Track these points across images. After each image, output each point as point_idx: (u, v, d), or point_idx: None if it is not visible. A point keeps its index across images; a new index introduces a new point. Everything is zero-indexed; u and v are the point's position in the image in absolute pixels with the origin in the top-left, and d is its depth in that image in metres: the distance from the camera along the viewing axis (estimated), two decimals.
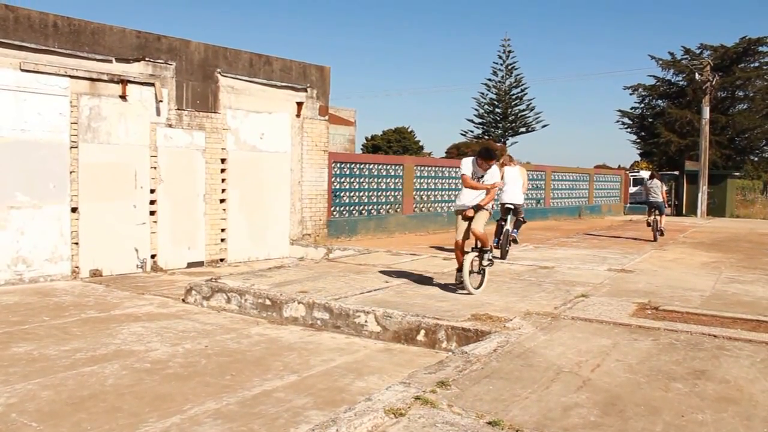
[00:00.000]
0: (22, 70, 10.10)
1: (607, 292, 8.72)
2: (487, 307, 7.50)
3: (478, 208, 8.44)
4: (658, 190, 16.78)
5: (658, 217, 16.72)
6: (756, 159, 44.59)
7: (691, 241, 16.73)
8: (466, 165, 8.50)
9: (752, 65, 41.50)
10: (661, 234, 16.92)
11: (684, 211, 31.85)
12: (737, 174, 32.18)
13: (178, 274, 11.57)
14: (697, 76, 31.74)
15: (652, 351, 5.80)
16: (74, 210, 10.78)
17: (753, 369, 5.29)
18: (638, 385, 4.87)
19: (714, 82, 31.05)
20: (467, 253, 8.49)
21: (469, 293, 8.28)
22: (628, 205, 32.95)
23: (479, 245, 8.61)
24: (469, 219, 8.49)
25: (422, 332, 6.73)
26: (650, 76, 46.11)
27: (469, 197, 8.49)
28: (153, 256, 11.85)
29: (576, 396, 4.61)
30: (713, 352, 5.79)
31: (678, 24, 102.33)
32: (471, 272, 8.38)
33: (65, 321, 7.60)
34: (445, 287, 8.94)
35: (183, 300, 8.87)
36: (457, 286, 8.61)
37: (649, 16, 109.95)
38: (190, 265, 12.42)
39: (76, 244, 10.81)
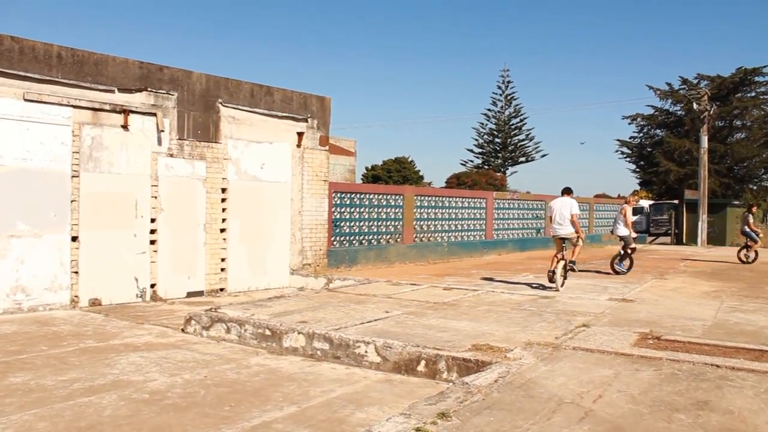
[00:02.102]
0: (26, 100, 10.19)
1: (609, 322, 8.68)
2: (488, 338, 7.46)
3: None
4: (744, 222, 19.52)
5: (749, 245, 19.08)
6: (755, 188, 44.68)
7: (691, 270, 16.69)
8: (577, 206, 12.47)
9: (749, 95, 41.83)
10: (748, 262, 18.91)
11: (684, 240, 31.83)
12: (737, 203, 32.19)
13: (177, 304, 11.53)
14: (694, 105, 31.94)
15: (654, 381, 5.76)
16: (74, 239, 10.78)
17: (757, 399, 5.24)
18: (641, 416, 4.82)
19: (711, 112, 31.24)
20: (560, 260, 12.05)
21: (557, 289, 11.80)
22: None
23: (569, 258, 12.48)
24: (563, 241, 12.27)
25: (423, 363, 6.68)
26: (648, 105, 46.49)
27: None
28: (153, 286, 11.83)
29: (578, 427, 4.56)
30: (716, 382, 5.74)
31: (674, 54, 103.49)
32: (561, 275, 12.04)
33: (63, 350, 7.56)
34: (445, 317, 8.91)
35: (182, 330, 8.82)
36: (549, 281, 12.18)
37: (646, 46, 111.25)
38: (189, 294, 12.38)
39: (76, 273, 10.79)
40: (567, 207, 12.27)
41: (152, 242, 11.84)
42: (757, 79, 41.12)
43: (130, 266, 11.50)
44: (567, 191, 12.72)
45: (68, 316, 9.96)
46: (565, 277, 12.19)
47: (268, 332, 7.96)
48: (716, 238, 30.51)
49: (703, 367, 6.25)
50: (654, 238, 36.84)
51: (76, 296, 10.79)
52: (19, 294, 10.16)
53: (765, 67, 40.63)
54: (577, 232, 12.23)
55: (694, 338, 7.64)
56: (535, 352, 6.79)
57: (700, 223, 30.14)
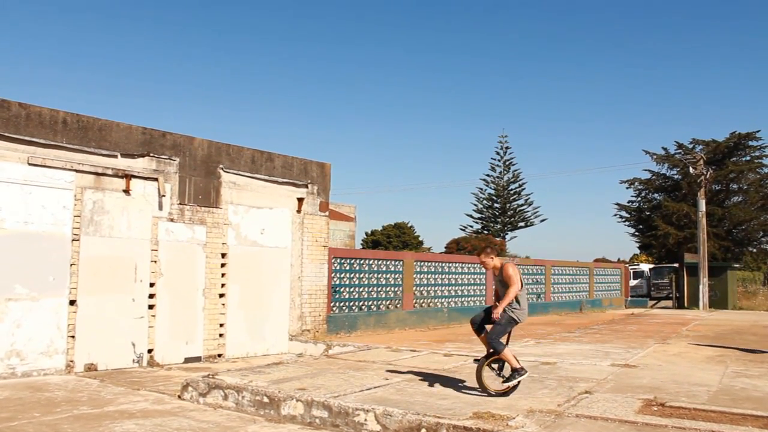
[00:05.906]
0: (30, 164, 10.32)
1: (612, 388, 8.54)
2: (489, 405, 7.33)
3: None
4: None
5: None
6: (754, 250, 44.80)
7: (694, 335, 16.52)
8: None
9: (744, 159, 42.48)
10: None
11: (686, 304, 31.60)
12: (737, 265, 32.20)
13: (174, 370, 11.36)
14: (691, 170, 32.34)
15: None
16: (72, 303, 10.72)
17: None
18: None
19: (708, 176, 31.61)
20: None
21: None
22: (629, 298, 32.72)
23: None
24: None
25: (423, 431, 6.54)
26: (645, 170, 47.09)
27: None
28: (150, 351, 11.68)
29: None
30: None
31: (670, 118, 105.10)
32: None
33: (56, 417, 7.40)
34: (445, 384, 8.77)
35: (179, 396, 8.67)
36: None
37: (642, 111, 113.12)
38: (187, 360, 12.21)
39: (72, 337, 10.68)
40: None
41: (150, 307, 11.76)
42: (750, 143, 41.88)
43: (128, 331, 11.39)
44: None
45: (63, 382, 9.80)
46: None
47: (266, 399, 7.82)
48: (718, 301, 30.32)
49: None
50: (655, 302, 36.61)
51: (71, 361, 10.65)
52: (13, 358, 10.02)
53: (758, 131, 41.48)
54: None
55: (699, 404, 7.50)
56: (538, 419, 6.66)
57: (701, 287, 30.00)
